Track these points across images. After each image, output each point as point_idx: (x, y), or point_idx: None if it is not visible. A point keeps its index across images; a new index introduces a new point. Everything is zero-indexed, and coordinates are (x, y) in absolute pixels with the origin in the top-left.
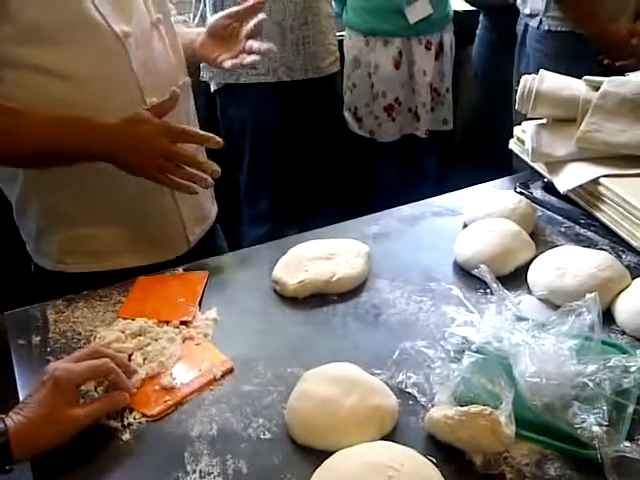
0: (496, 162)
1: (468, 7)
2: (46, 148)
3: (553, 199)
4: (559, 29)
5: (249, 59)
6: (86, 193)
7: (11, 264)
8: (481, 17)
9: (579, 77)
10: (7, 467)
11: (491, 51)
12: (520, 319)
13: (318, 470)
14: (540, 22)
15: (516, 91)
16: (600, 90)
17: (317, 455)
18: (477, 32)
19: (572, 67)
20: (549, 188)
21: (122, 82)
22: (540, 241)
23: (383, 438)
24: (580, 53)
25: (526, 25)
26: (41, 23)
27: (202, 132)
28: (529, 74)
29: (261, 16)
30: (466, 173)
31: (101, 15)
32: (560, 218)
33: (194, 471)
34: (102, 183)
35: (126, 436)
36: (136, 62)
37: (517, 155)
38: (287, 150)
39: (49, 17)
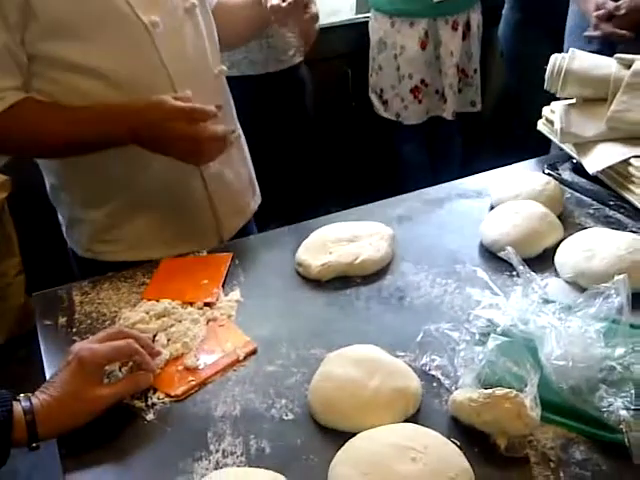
0: (524, 144)
1: None
2: (76, 137)
3: (582, 180)
4: None
5: None
6: (116, 183)
7: (49, 244)
8: None
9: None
10: (33, 444)
11: (517, 30)
12: (547, 302)
13: (341, 450)
14: None
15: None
16: (632, 68)
17: (340, 436)
18: (503, 12)
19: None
20: (578, 169)
21: (151, 74)
22: (568, 223)
23: (406, 420)
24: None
25: None
26: (67, 17)
27: (207, 108)
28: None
29: None
30: (493, 155)
31: (129, 5)
32: (589, 200)
33: (217, 450)
34: (132, 171)
35: (150, 416)
36: (165, 52)
37: (546, 136)
38: (260, 140)
39: (75, 10)
